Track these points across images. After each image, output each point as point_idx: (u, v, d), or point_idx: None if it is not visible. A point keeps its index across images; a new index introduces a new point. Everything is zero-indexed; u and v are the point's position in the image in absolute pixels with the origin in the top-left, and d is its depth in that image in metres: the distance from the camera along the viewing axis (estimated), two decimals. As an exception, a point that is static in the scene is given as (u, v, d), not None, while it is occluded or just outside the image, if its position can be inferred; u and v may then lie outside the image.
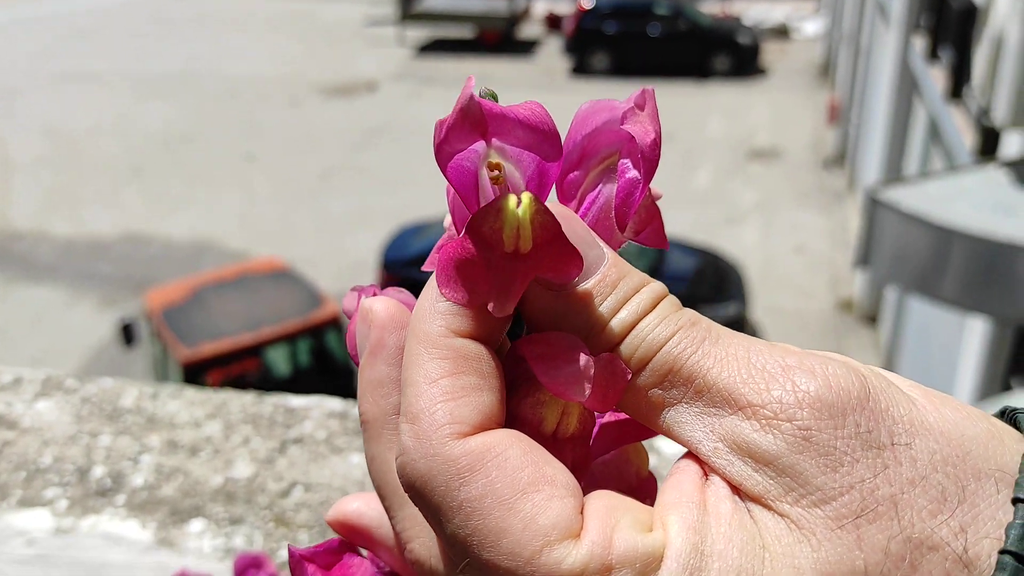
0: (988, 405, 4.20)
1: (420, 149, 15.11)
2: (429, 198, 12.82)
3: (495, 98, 0.38)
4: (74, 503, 1.18)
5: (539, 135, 0.36)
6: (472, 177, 0.38)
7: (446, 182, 0.41)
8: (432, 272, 0.39)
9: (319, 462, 1.23)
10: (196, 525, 1.14)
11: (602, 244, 0.40)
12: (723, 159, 14.80)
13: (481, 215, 0.37)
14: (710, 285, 9.84)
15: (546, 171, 0.38)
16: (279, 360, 8.43)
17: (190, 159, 15.23)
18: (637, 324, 0.38)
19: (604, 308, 0.38)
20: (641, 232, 0.42)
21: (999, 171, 5.94)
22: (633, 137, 0.39)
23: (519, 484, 0.35)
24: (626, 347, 0.38)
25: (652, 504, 0.44)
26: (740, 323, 9.87)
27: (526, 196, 0.37)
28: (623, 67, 18.67)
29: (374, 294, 0.45)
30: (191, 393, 1.37)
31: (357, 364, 0.44)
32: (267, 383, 8.26)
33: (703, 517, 0.35)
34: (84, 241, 12.60)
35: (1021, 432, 0.37)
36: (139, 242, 12.58)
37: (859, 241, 5.96)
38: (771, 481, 0.34)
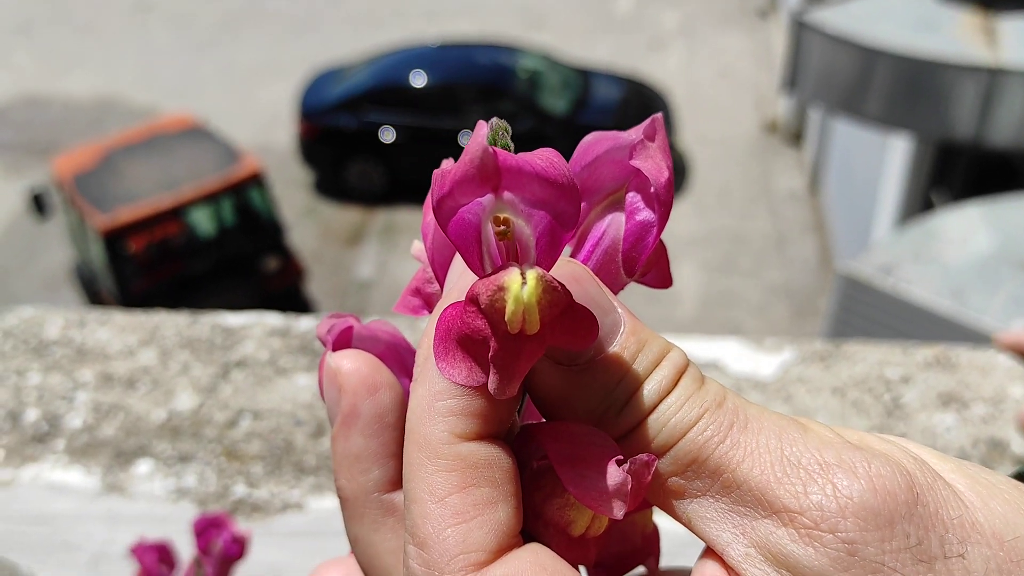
0: (913, 225, 4.29)
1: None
2: (338, 42, 12.24)
3: (507, 132, 0.32)
4: (11, 452, 1.12)
5: (556, 190, 0.31)
6: (475, 231, 0.32)
7: (428, 206, 0.34)
8: (416, 326, 0.34)
9: (265, 386, 1.18)
10: (143, 466, 1.09)
11: (619, 307, 0.35)
12: (643, -20, 14.36)
13: (483, 290, 0.31)
14: (636, 115, 9.75)
15: (559, 229, 0.32)
16: (202, 221, 8.20)
17: (79, 10, 14.22)
18: (658, 406, 0.34)
19: (622, 386, 0.34)
20: (647, 273, 0.37)
21: (922, -14, 5.87)
22: (640, 170, 0.34)
23: None
24: (645, 431, 0.33)
25: (656, 558, 0.40)
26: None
27: (532, 277, 0.31)
28: None
29: (349, 327, 0.39)
30: (121, 318, 1.30)
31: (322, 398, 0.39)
32: (192, 245, 8.08)
33: None
34: (-23, 107, 11.85)
35: None
36: (37, 104, 11.89)
37: (785, 64, 5.93)
38: None
